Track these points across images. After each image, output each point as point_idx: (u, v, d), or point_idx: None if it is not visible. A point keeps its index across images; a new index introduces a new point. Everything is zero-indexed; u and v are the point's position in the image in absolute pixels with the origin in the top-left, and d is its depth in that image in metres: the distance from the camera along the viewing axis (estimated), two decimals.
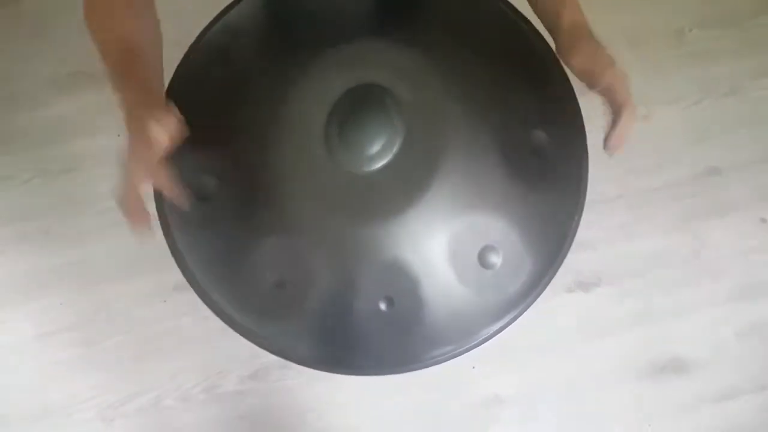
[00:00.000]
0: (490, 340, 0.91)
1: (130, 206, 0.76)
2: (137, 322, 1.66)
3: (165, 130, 0.74)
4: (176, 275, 0.90)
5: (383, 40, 0.86)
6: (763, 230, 1.72)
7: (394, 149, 0.81)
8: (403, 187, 0.81)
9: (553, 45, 0.87)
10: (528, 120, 0.87)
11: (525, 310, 0.90)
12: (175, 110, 0.76)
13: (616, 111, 0.80)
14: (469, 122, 0.84)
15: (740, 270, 1.69)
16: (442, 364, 0.92)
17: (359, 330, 0.87)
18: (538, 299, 0.91)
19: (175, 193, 0.79)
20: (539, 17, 0.89)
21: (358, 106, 0.82)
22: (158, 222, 0.89)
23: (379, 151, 0.81)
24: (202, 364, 1.64)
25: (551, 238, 0.89)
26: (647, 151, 1.74)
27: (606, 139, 0.80)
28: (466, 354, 0.92)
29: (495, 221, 0.85)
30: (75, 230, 1.70)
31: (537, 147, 0.88)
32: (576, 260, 1.63)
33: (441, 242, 0.84)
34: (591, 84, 0.81)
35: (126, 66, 0.81)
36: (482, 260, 0.85)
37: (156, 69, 0.85)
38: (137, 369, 1.64)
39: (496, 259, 0.85)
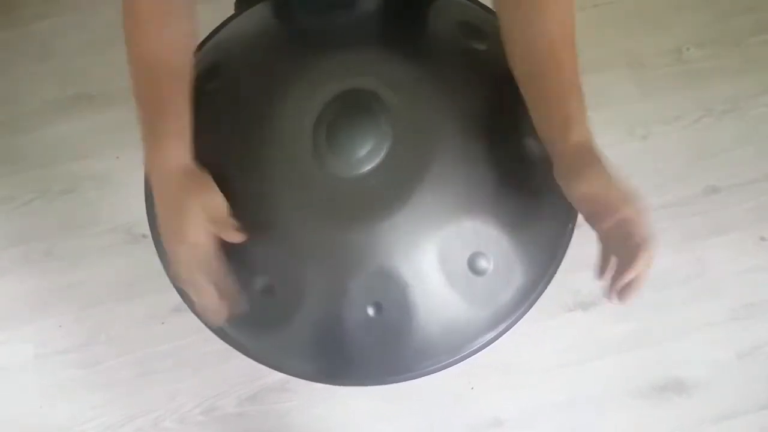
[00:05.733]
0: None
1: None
2: (136, 343, 1.67)
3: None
4: (175, 297, 0.89)
5: (372, 50, 0.86)
6: (763, 249, 1.71)
7: (382, 153, 0.81)
8: (392, 191, 0.80)
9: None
10: (521, 128, 0.86)
11: (519, 320, 0.89)
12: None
13: (629, 251, 0.68)
14: (459, 127, 0.84)
15: (741, 289, 1.69)
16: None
17: (349, 338, 0.86)
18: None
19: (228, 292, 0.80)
20: (538, 133, 0.79)
21: (346, 110, 0.82)
22: (153, 242, 0.90)
23: (367, 154, 0.80)
24: (200, 386, 1.64)
25: (545, 246, 0.88)
26: (646, 171, 1.74)
27: (612, 286, 0.71)
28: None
29: (485, 228, 0.84)
30: (75, 251, 1.72)
31: (529, 155, 0.87)
32: (575, 279, 1.61)
33: (431, 247, 0.82)
34: (598, 216, 0.72)
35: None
36: (472, 266, 0.84)
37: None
38: (136, 390, 1.65)
39: (486, 265, 0.84)
